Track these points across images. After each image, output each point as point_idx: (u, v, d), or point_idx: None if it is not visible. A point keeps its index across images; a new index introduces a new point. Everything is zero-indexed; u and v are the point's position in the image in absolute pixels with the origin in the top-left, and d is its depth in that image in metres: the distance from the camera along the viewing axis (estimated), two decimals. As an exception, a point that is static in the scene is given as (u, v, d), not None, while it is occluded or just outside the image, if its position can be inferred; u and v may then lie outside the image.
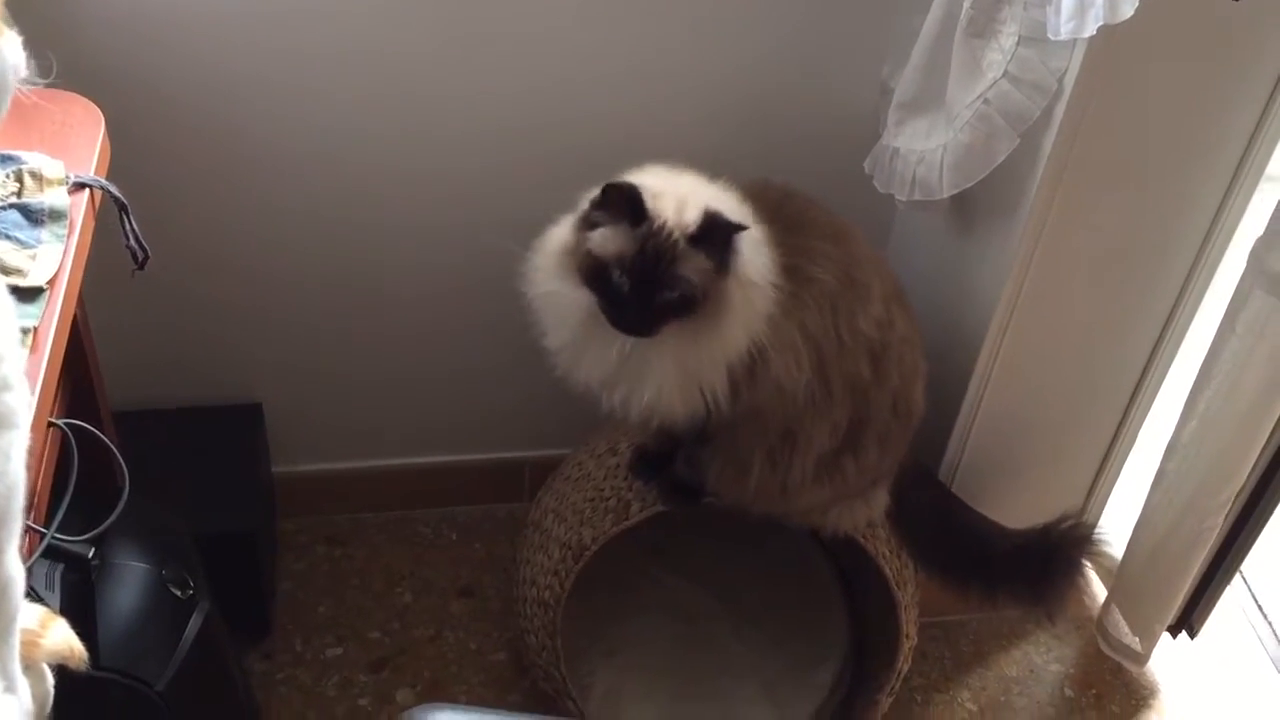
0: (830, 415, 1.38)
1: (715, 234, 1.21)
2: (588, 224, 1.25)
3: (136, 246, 1.16)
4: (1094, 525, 1.71)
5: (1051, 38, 1.26)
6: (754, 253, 1.26)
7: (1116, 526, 1.80)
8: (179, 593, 1.31)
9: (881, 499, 1.56)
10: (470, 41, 1.52)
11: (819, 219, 1.37)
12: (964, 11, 1.37)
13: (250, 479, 1.75)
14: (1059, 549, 1.61)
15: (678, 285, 1.21)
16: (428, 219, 1.68)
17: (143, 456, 1.24)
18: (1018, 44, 1.35)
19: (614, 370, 1.29)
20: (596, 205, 1.24)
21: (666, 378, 1.28)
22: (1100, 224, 1.47)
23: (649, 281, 1.21)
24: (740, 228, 1.22)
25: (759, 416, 1.36)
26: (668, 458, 1.54)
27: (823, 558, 1.85)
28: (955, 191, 1.45)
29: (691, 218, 1.22)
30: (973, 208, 1.55)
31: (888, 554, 1.60)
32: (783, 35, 1.58)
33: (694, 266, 1.21)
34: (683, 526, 1.72)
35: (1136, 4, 1.15)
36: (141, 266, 1.17)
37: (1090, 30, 1.20)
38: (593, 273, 1.23)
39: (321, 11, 1.45)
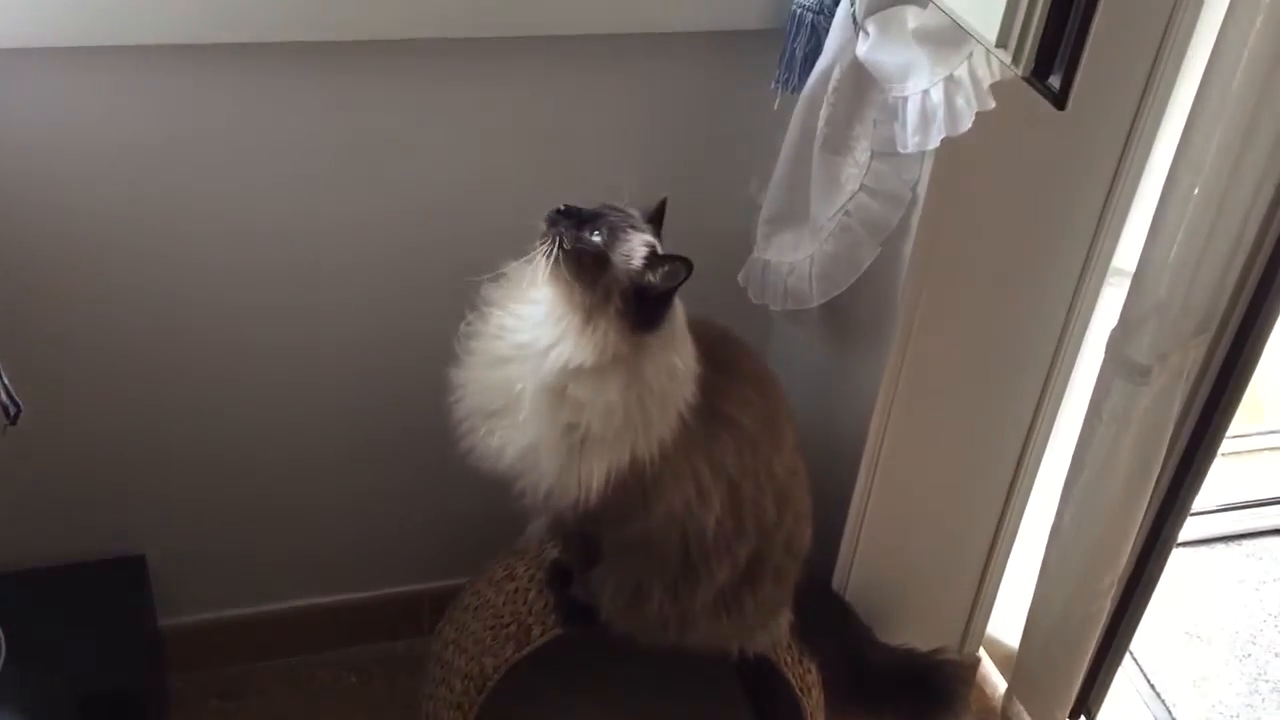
0: (735, 552, 1.37)
1: (663, 270, 1.18)
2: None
3: (8, 401, 1.13)
4: (973, 662, 1.76)
5: (901, 151, 1.34)
6: (684, 344, 1.26)
7: (1009, 617, 1.84)
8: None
9: (784, 622, 1.56)
10: (349, 171, 1.55)
11: (747, 366, 1.39)
12: (819, 130, 1.44)
13: (135, 635, 1.67)
14: (939, 682, 1.65)
15: (602, 222, 1.19)
16: (309, 349, 1.68)
17: (18, 620, 1.19)
18: (871, 158, 1.43)
19: (498, 397, 1.24)
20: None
21: (548, 434, 1.22)
22: (964, 324, 1.54)
23: (586, 215, 1.20)
24: (687, 268, 1.18)
25: (654, 546, 1.34)
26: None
27: (730, 669, 1.84)
28: (825, 299, 1.51)
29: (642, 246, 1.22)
30: (843, 316, 1.60)
31: (790, 661, 1.60)
32: (657, 157, 1.65)
33: (627, 253, 1.20)
34: (590, 647, 1.70)
35: (973, 117, 1.24)
36: (14, 422, 1.14)
37: (934, 142, 1.28)
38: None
39: (202, 150, 1.47)
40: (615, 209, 1.24)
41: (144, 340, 1.59)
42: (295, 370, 1.68)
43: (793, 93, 1.50)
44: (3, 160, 1.40)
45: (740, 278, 1.65)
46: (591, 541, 1.43)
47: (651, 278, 1.19)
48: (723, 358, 1.35)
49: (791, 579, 1.50)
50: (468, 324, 1.28)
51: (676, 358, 1.25)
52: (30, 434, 1.23)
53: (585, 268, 1.18)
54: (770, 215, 1.57)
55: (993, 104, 1.23)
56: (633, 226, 1.23)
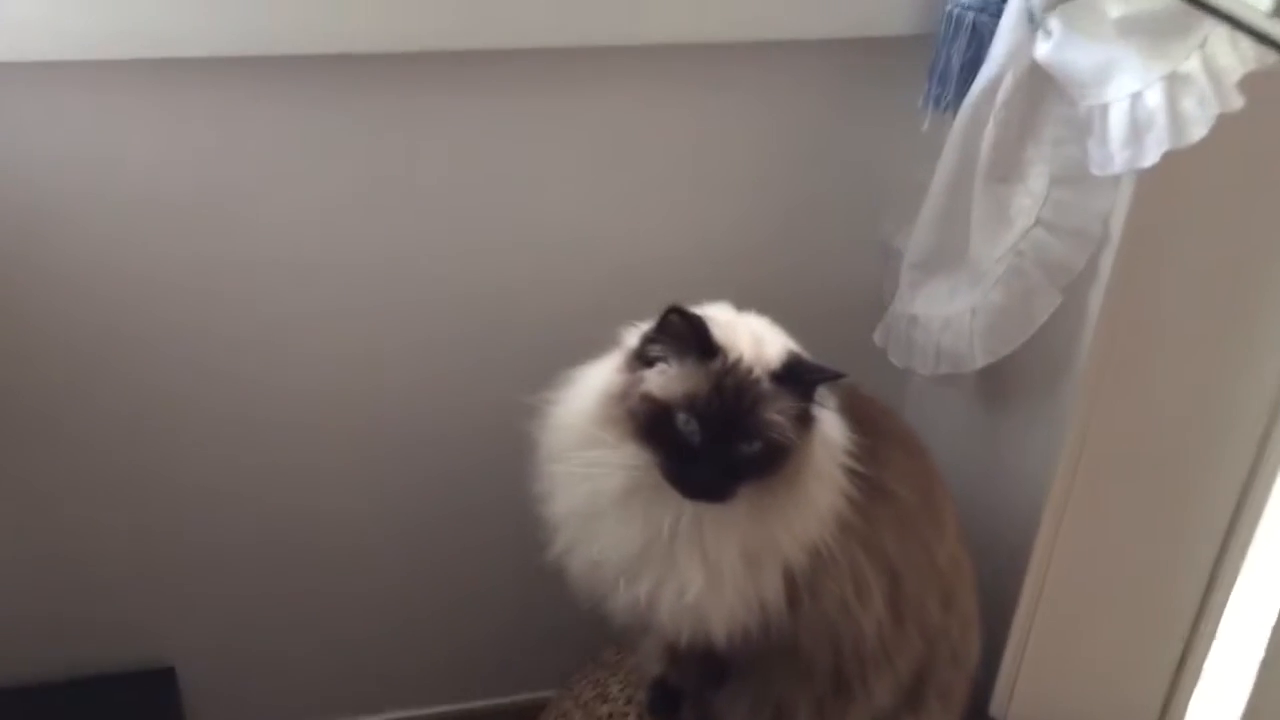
0: (895, 664, 1.12)
1: (800, 377, 1.00)
2: (640, 361, 1.03)
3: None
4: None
5: (1097, 174, 1.07)
6: (831, 427, 1.05)
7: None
8: None
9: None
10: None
11: (888, 425, 1.17)
12: (983, 154, 1.18)
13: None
14: None
15: (761, 433, 0.97)
16: (360, 421, 1.45)
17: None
18: (1050, 186, 1.16)
19: (644, 551, 1.03)
20: (652, 338, 1.02)
21: (723, 563, 1.02)
22: (1162, 390, 1.25)
23: (727, 428, 0.97)
24: (832, 375, 1.00)
25: (800, 657, 1.10)
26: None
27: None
28: (992, 360, 1.23)
29: (773, 354, 1.01)
30: (1005, 380, 1.33)
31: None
32: (760, 197, 1.39)
33: (779, 410, 0.98)
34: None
35: (1210, 123, 0.96)
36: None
37: (1151, 158, 1.01)
38: (650, 421, 0.99)
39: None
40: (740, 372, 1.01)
41: (179, 433, 1.40)
42: (344, 444, 1.47)
43: (945, 110, 1.24)
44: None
45: (877, 337, 1.38)
46: (717, 659, 1.15)
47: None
48: (862, 413, 1.11)
49: (961, 702, 1.24)
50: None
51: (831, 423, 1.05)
52: (50, 536, 1.14)
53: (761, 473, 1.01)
54: (918, 258, 1.30)
55: (1239, 103, 0.96)
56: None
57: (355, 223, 1.30)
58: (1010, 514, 1.35)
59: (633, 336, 1.06)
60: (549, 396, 1.08)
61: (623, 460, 1.00)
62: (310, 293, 1.33)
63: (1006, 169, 1.18)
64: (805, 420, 1.01)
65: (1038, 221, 1.17)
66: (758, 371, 0.99)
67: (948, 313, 1.27)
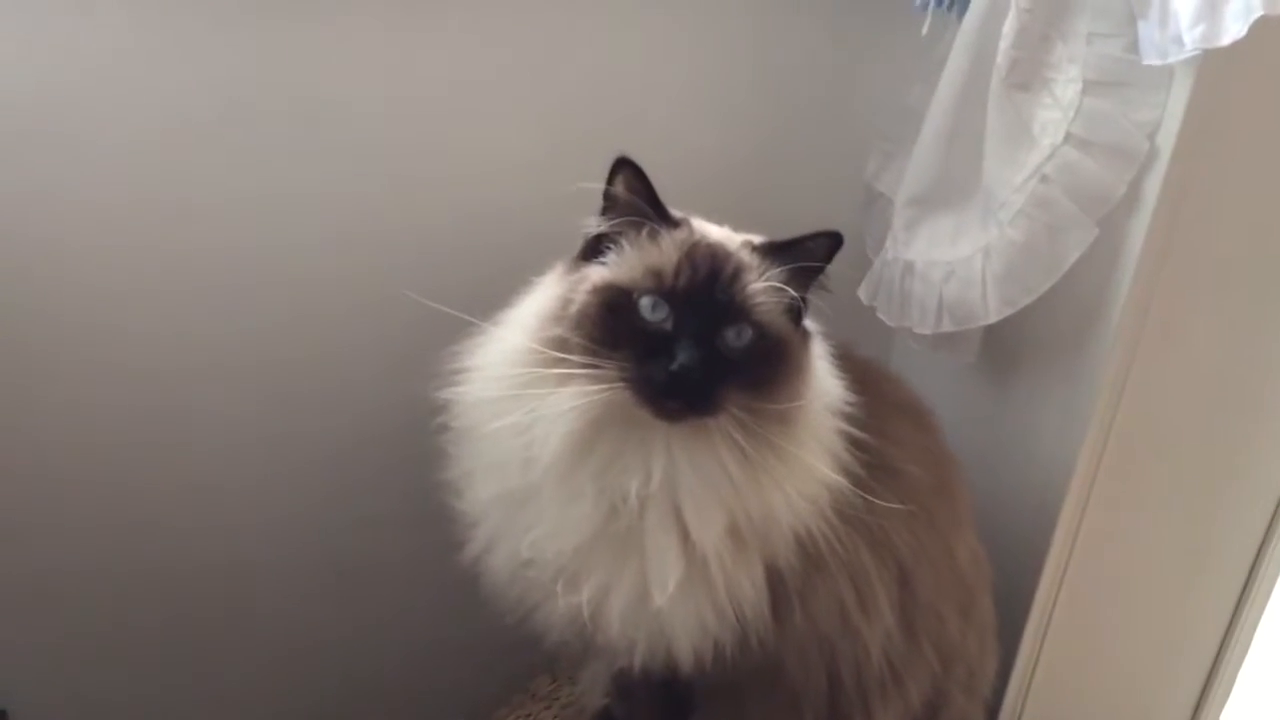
0: (905, 690, 0.90)
1: (787, 249, 0.81)
2: (591, 252, 0.81)
3: None
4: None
5: (1155, 63, 0.85)
6: (824, 376, 0.84)
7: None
8: None
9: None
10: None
11: (900, 394, 0.96)
12: (1000, 56, 0.95)
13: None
14: None
15: (749, 313, 0.77)
16: (226, 407, 1.17)
17: None
18: (1083, 94, 0.94)
19: (594, 539, 0.79)
20: (606, 208, 0.81)
21: (707, 541, 0.78)
22: (1215, 350, 1.03)
23: (705, 308, 0.76)
24: (827, 247, 0.81)
25: (784, 684, 0.86)
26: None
27: None
28: (1010, 312, 1.00)
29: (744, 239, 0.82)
30: (1019, 341, 1.10)
31: None
32: (732, 124, 1.17)
33: (767, 290, 0.78)
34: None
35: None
36: None
37: (1234, 33, 0.79)
38: (605, 318, 0.77)
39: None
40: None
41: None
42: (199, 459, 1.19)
43: (950, 9, 1.02)
44: None
45: (863, 292, 1.15)
46: (679, 687, 0.91)
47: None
48: (860, 377, 0.88)
49: None
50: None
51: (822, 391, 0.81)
52: None
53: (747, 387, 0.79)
54: (916, 192, 1.07)
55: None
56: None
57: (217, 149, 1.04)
58: (1022, 505, 1.12)
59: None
60: (462, 351, 0.84)
61: (569, 401, 0.76)
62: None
63: (1029, 73, 0.96)
64: (797, 319, 0.80)
65: (1067, 138, 0.95)
66: (735, 245, 0.79)
67: (952, 257, 1.04)
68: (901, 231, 1.08)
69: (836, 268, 1.16)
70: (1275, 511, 1.16)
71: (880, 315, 1.12)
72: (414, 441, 0.87)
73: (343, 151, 1.07)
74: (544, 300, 0.81)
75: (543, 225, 0.85)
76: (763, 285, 0.77)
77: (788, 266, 0.79)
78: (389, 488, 1.18)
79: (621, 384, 0.74)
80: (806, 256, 0.80)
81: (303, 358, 1.15)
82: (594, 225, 0.81)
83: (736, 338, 0.76)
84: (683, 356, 0.73)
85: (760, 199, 1.19)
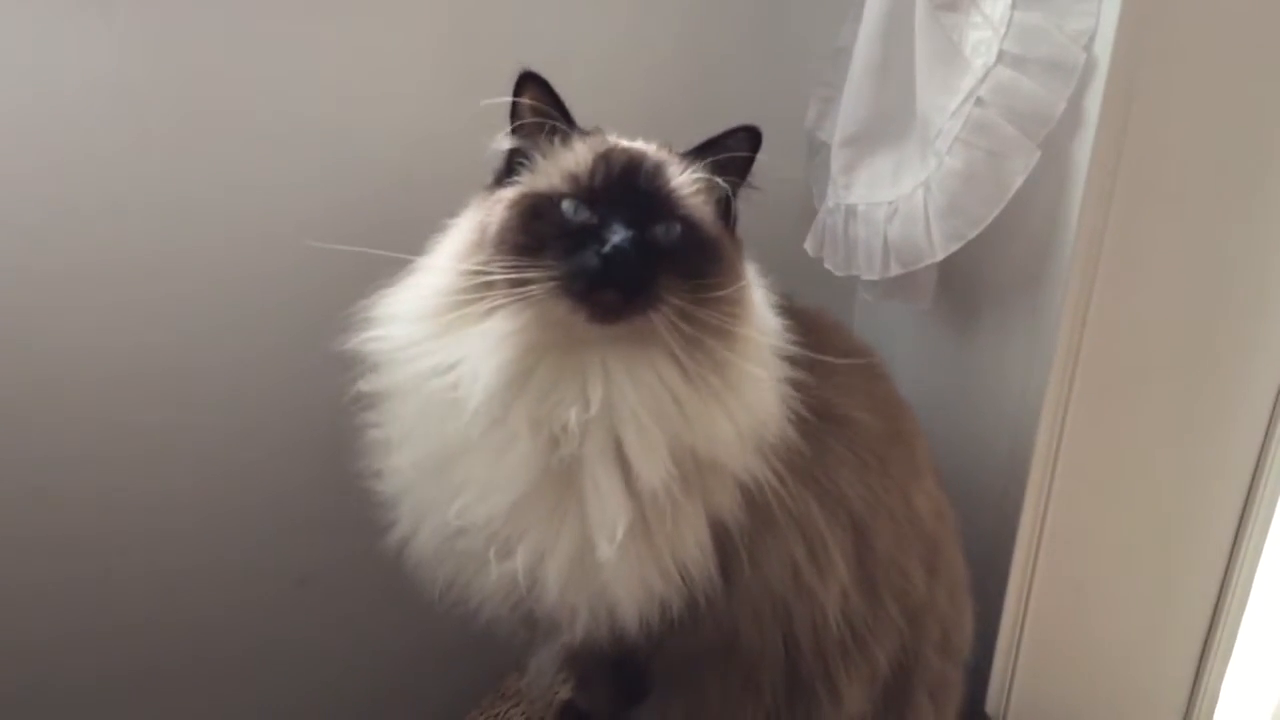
0: (870, 653, 0.84)
1: (709, 148, 0.79)
2: (505, 174, 0.79)
3: None
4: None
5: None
6: (764, 314, 0.80)
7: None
8: None
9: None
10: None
11: (848, 342, 0.91)
12: (924, -24, 0.90)
13: None
14: None
15: (675, 208, 0.74)
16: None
17: None
18: (1014, 8, 0.89)
19: (529, 492, 0.74)
20: (514, 121, 0.79)
21: (654, 475, 0.73)
22: (1180, 270, 0.97)
23: (630, 204, 0.73)
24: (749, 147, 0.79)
25: (740, 655, 0.81)
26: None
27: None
28: (956, 246, 0.95)
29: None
30: (973, 281, 1.05)
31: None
32: (659, 69, 1.11)
33: (692, 186, 0.76)
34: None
35: None
36: None
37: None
38: (526, 225, 0.73)
39: None
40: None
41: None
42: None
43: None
44: None
45: (809, 245, 1.09)
46: (632, 666, 0.86)
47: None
48: (805, 325, 0.83)
49: (957, 700, 0.96)
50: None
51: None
52: None
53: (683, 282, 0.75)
54: (851, 132, 1.02)
55: None
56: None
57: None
58: (991, 458, 1.07)
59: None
60: (372, 301, 0.78)
61: (497, 330, 0.72)
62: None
63: (955, -8, 0.91)
64: (728, 216, 0.78)
65: (1000, 56, 0.90)
66: (653, 148, 0.78)
67: (894, 195, 0.99)
68: (841, 175, 1.03)
69: (789, 227, 1.13)
70: (1268, 426, 1.09)
71: (827, 266, 1.07)
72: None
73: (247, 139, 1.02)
74: (460, 234, 0.77)
75: (470, 191, 0.82)
76: (686, 178, 0.75)
77: (709, 159, 0.77)
78: (345, 487, 1.13)
79: (552, 283, 0.70)
80: (727, 150, 0.77)
81: (234, 360, 1.10)
82: (504, 141, 0.78)
83: (665, 234, 0.73)
84: (615, 238, 0.69)
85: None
